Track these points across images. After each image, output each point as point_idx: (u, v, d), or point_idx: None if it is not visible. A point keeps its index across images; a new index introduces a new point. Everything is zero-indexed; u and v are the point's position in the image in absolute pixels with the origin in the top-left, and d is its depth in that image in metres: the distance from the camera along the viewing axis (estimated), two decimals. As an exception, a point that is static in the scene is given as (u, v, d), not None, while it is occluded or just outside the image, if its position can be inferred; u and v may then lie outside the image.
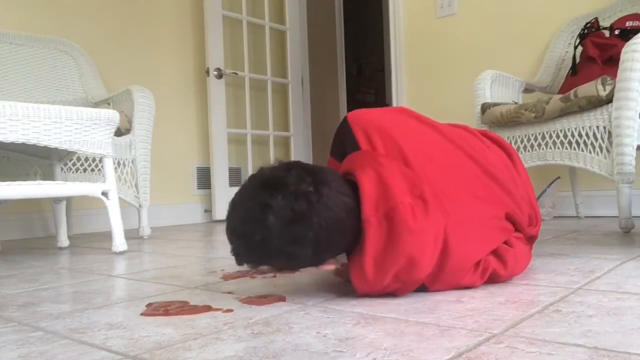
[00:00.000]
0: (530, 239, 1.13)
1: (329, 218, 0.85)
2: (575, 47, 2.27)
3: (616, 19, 2.23)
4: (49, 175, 2.10)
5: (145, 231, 2.40)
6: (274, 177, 0.87)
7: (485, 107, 2.07)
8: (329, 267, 0.94)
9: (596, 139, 1.75)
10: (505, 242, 1.03)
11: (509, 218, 1.03)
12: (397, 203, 0.88)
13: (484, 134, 1.17)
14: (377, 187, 0.90)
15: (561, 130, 1.85)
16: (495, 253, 1.00)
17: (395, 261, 0.87)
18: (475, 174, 1.00)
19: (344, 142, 1.04)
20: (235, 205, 0.89)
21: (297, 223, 0.83)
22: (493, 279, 1.00)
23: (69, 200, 2.57)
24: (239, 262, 0.90)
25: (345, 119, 1.04)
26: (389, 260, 0.88)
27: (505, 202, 1.02)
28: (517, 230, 1.07)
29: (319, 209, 0.84)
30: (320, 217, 0.84)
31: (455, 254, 0.92)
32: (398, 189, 0.89)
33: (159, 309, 0.92)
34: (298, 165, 0.90)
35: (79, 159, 2.19)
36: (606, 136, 1.72)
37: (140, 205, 2.37)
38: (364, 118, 1.02)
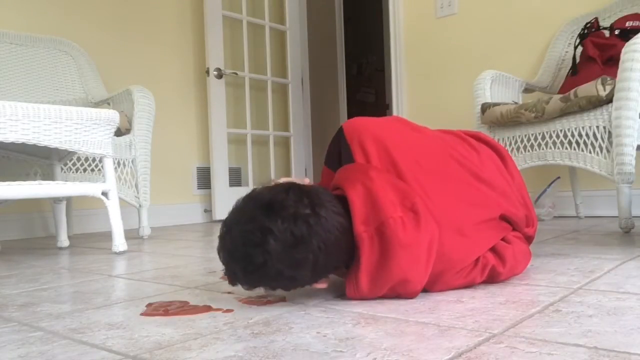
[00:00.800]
0: (528, 239, 1.13)
1: (327, 240, 0.86)
2: (575, 47, 2.27)
3: (616, 19, 2.23)
4: (49, 175, 2.10)
5: (145, 231, 2.40)
6: (273, 199, 0.86)
7: (485, 107, 2.07)
8: (322, 285, 0.95)
9: (596, 139, 1.75)
10: (503, 239, 1.03)
11: (504, 219, 1.04)
12: (387, 217, 0.88)
13: (476, 136, 1.18)
14: (366, 202, 0.91)
15: (561, 130, 1.85)
16: (493, 250, 1.01)
17: (389, 278, 0.89)
18: (467, 180, 1.01)
19: (339, 153, 1.05)
20: (231, 227, 0.88)
21: (298, 246, 0.84)
22: (493, 278, 1.00)
23: (69, 200, 2.57)
24: (234, 283, 0.90)
25: (340, 129, 1.05)
26: (383, 277, 0.89)
27: (499, 204, 1.03)
28: (515, 230, 1.07)
29: (318, 231, 0.85)
30: (319, 239, 0.85)
31: (453, 258, 0.93)
32: (388, 203, 0.90)
33: (159, 309, 0.92)
34: (295, 186, 0.90)
35: (79, 159, 2.19)
36: (606, 136, 1.72)
37: (140, 205, 2.37)
38: (360, 128, 1.03)
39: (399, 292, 0.91)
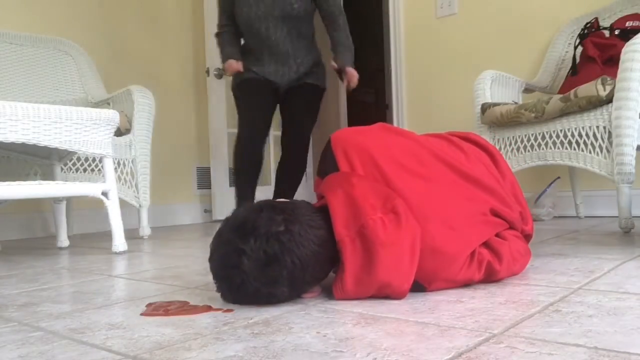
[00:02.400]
0: (527, 238, 1.13)
1: (302, 255, 0.88)
2: (575, 47, 2.27)
3: (616, 19, 2.23)
4: (49, 175, 2.10)
5: (145, 231, 2.40)
6: (246, 221, 0.90)
7: (485, 107, 2.07)
8: (311, 295, 0.97)
9: (596, 139, 1.75)
10: (498, 236, 1.04)
11: (496, 215, 1.04)
12: (367, 219, 0.90)
13: (464, 137, 1.19)
14: (346, 206, 0.93)
15: (561, 130, 1.85)
16: (488, 246, 1.01)
17: (375, 278, 0.89)
18: (453, 179, 1.03)
19: (327, 163, 1.08)
20: (213, 250, 0.95)
21: (271, 264, 0.87)
22: (491, 275, 1.00)
23: (69, 200, 2.57)
24: (226, 300, 0.95)
25: (328, 140, 1.08)
26: (368, 277, 0.90)
27: (488, 201, 1.03)
28: (511, 228, 1.08)
29: (291, 248, 0.88)
30: (293, 255, 0.87)
31: (448, 252, 0.94)
32: (368, 206, 0.92)
33: (159, 309, 0.92)
34: (269, 205, 0.94)
35: (79, 159, 2.19)
36: (606, 136, 1.72)
37: (140, 205, 2.37)
38: (345, 138, 1.06)
39: (386, 293, 0.92)
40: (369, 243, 0.90)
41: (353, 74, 2.38)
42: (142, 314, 0.90)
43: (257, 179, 2.35)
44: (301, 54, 2.37)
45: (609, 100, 1.70)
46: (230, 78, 2.47)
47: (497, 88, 2.25)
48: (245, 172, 2.30)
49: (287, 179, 2.44)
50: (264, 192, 2.62)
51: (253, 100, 2.35)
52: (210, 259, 0.95)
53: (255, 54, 2.35)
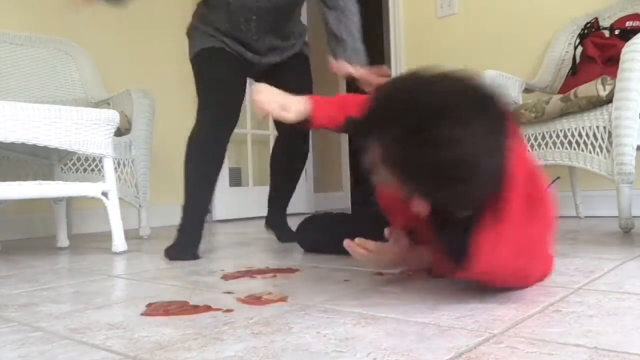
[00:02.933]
0: None
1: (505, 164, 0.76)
2: (575, 47, 2.27)
3: (616, 19, 2.23)
4: (48, 175, 2.10)
5: (145, 231, 2.40)
6: (488, 90, 0.78)
7: (485, 107, 2.06)
8: (464, 212, 0.83)
9: (596, 139, 1.75)
10: None
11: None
12: (544, 192, 0.82)
13: None
14: (530, 167, 0.83)
15: (561, 130, 1.85)
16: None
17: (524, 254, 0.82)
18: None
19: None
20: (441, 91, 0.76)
21: (498, 141, 0.75)
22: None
23: (68, 200, 2.57)
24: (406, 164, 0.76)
25: None
26: (516, 246, 0.80)
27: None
28: None
29: (506, 152, 0.76)
30: (505, 159, 0.76)
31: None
32: (541, 179, 0.83)
33: (159, 309, 0.92)
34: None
35: (79, 159, 2.19)
36: (606, 136, 1.72)
37: (140, 205, 2.37)
38: None
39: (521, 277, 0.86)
40: (536, 214, 0.81)
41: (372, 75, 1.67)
42: (142, 314, 0.90)
43: (214, 186, 1.76)
44: (282, 43, 1.84)
45: (609, 100, 1.70)
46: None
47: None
48: (199, 174, 1.71)
49: (287, 168, 2.11)
50: (264, 192, 2.61)
51: (221, 76, 1.69)
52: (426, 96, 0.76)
53: (226, 34, 1.73)
